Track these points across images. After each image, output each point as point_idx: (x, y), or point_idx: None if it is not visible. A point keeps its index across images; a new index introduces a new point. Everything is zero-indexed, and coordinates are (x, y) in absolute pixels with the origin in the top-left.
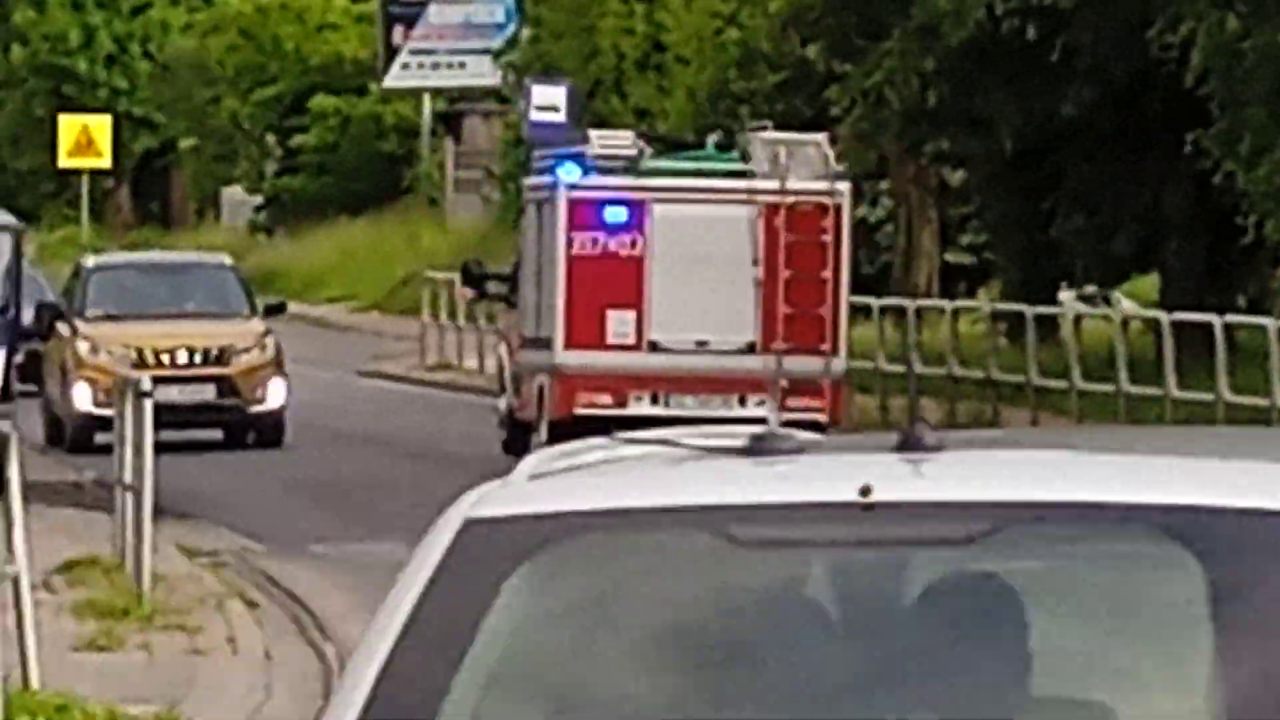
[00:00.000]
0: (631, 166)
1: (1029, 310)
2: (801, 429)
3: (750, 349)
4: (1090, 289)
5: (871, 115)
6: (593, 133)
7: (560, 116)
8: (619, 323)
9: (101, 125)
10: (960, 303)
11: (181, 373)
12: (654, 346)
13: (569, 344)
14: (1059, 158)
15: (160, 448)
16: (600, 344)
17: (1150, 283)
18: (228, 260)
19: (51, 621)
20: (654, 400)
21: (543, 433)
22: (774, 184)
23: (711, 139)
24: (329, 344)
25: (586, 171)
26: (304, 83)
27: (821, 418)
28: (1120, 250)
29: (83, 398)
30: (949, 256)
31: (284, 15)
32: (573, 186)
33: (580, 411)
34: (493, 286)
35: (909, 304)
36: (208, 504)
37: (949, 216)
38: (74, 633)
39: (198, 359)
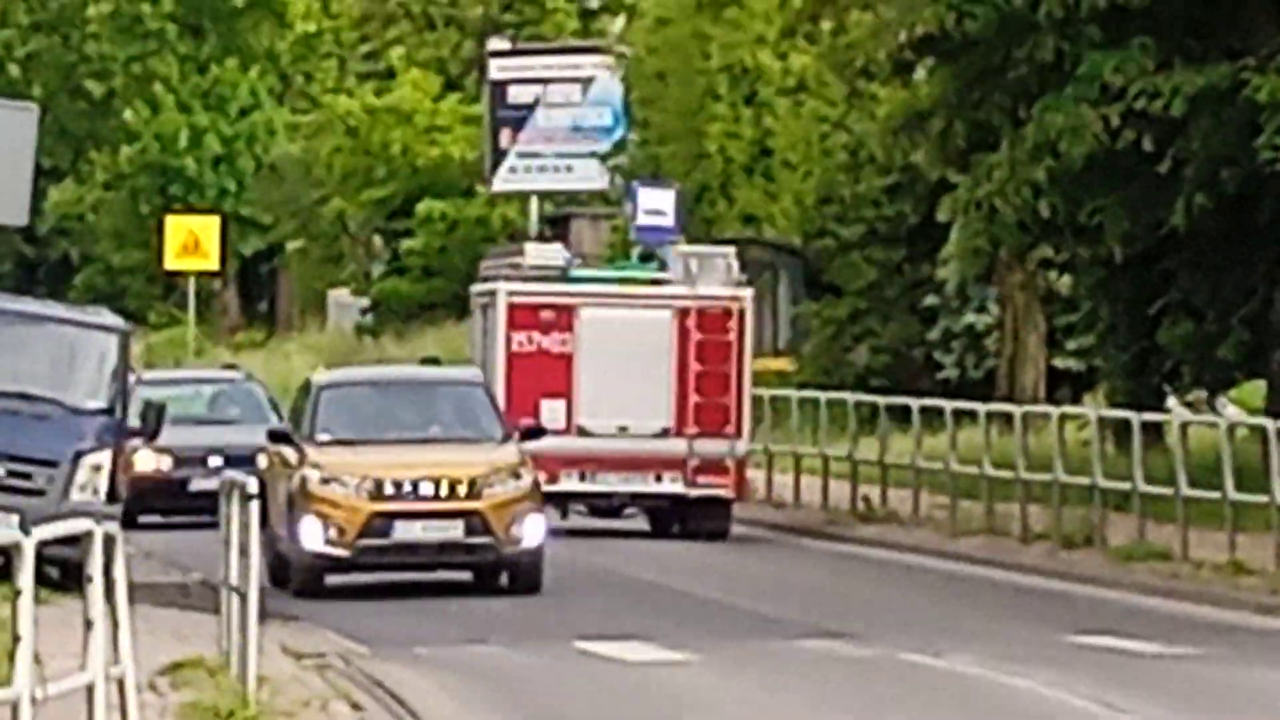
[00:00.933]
0: (563, 275)
1: (1135, 417)
2: (710, 504)
3: (665, 433)
4: (1197, 395)
5: (984, 227)
6: (528, 245)
7: (668, 220)
8: (551, 410)
9: (208, 227)
10: (1066, 409)
11: (426, 507)
12: (581, 431)
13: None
14: (1167, 264)
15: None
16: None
17: (1257, 389)
18: (478, 375)
19: None
20: (581, 478)
21: None
22: (686, 290)
23: (635, 251)
24: None
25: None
26: (411, 185)
27: (727, 494)
28: (1227, 356)
29: (312, 535)
30: (1055, 362)
31: (392, 118)
32: (511, 292)
33: None
34: None
35: (1015, 409)
36: (311, 607)
37: (1055, 322)
38: None
39: (443, 490)
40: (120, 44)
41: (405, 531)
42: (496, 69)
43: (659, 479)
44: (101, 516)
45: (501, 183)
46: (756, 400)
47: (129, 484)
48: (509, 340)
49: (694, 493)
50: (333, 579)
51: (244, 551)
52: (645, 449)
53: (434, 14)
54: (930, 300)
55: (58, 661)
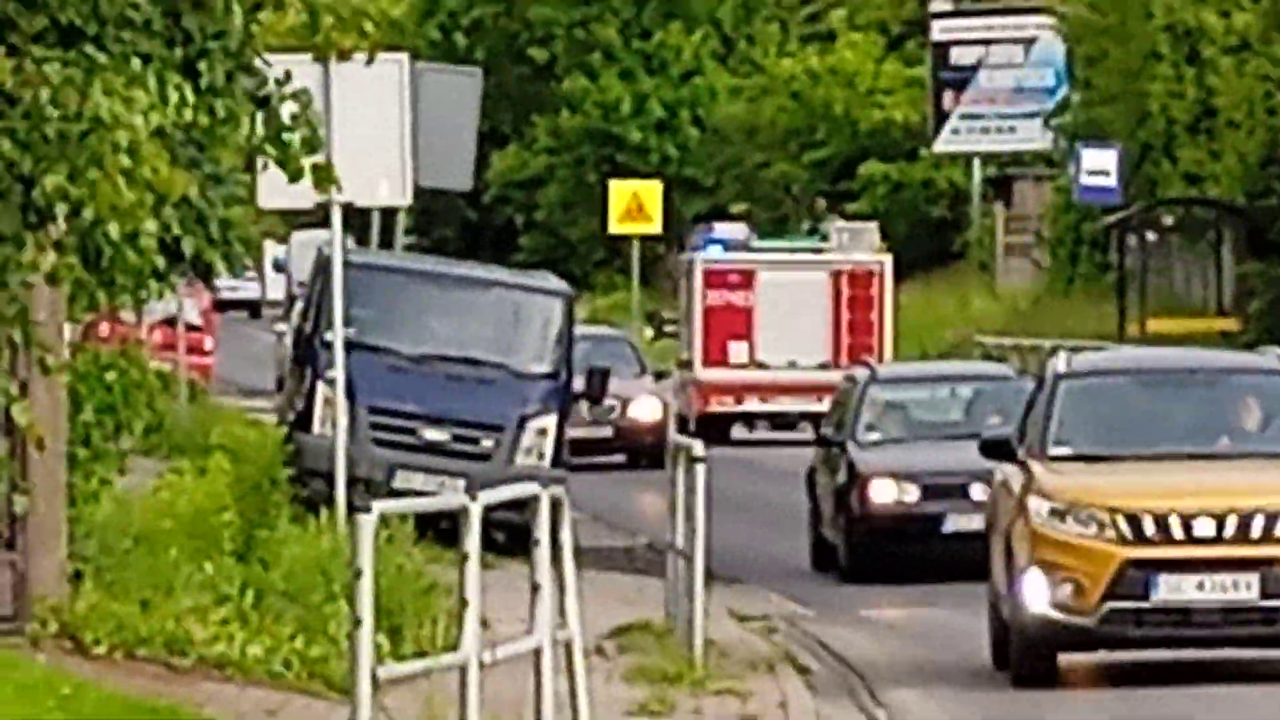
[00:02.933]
0: (745, 245)
1: None
2: None
3: (824, 366)
4: None
5: None
6: (716, 224)
7: (1111, 181)
8: (737, 350)
9: (652, 191)
10: None
11: (1206, 554)
12: (760, 365)
13: (705, 364)
14: None
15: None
16: (725, 364)
17: None
18: None
19: (604, 688)
20: (762, 400)
21: (691, 424)
22: (840, 256)
23: (804, 226)
24: None
25: (726, 248)
26: (854, 147)
27: None
28: None
29: (1038, 594)
30: None
31: (835, 80)
32: (706, 260)
33: (712, 410)
34: (667, 329)
35: None
36: (756, 569)
37: None
38: (627, 698)
39: (1231, 531)
40: (562, 9)
41: (1173, 589)
42: (939, 30)
43: (820, 400)
44: (547, 480)
45: (944, 144)
46: None
47: (862, 519)
48: (705, 297)
49: None
50: (1069, 656)
51: (690, 515)
52: (810, 378)
53: None
54: None
55: (505, 626)
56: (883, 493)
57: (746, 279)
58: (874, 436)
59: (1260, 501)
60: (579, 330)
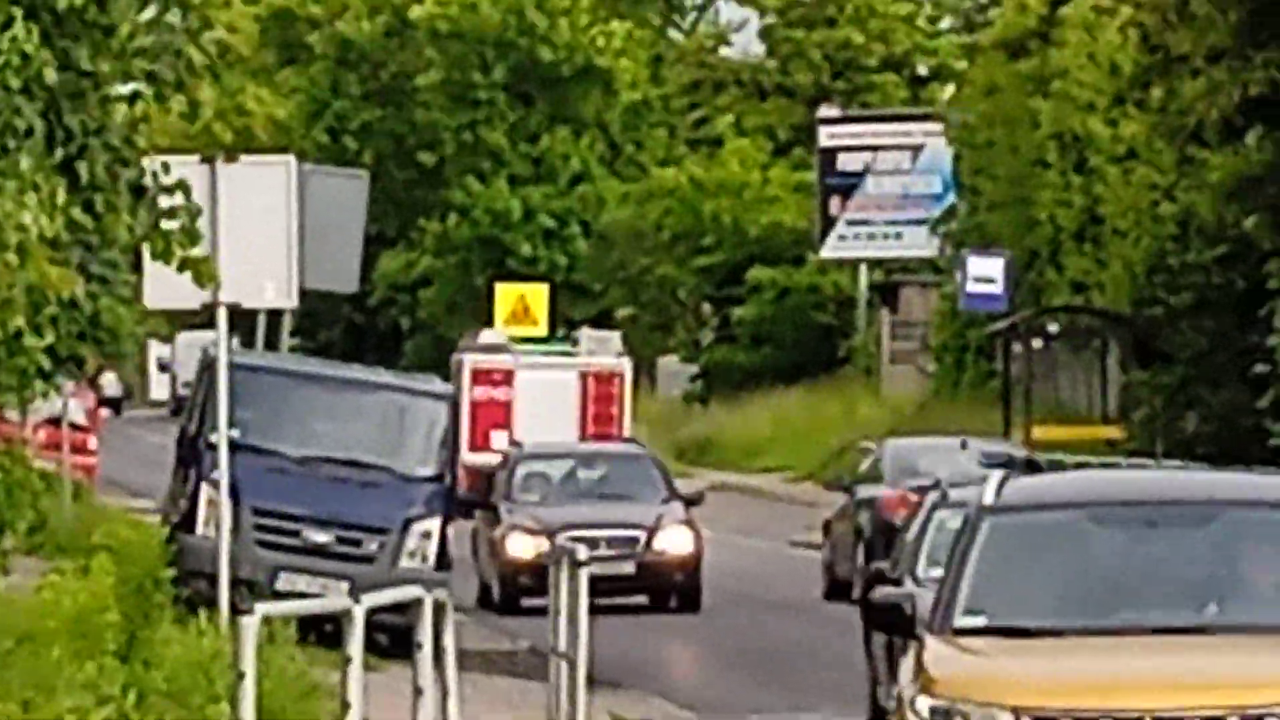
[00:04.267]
0: (506, 349)
1: None
2: None
3: None
4: None
5: None
6: (484, 330)
7: (997, 288)
8: (498, 437)
9: (538, 294)
10: None
11: None
12: (517, 445)
13: (470, 449)
14: None
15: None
16: (488, 448)
17: None
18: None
19: None
20: None
21: None
22: (587, 360)
23: (560, 334)
24: (764, 513)
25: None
26: (741, 252)
27: None
28: None
29: None
30: None
31: (720, 190)
32: (474, 362)
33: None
34: None
35: None
36: (638, 672)
37: None
38: None
39: None
40: (450, 113)
41: None
42: (826, 136)
43: None
44: (431, 584)
45: (831, 250)
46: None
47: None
48: (471, 392)
49: None
50: None
51: (572, 619)
52: None
53: (764, 81)
54: (1260, 368)
55: None
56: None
57: (507, 377)
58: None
59: (1256, 701)
60: (593, 448)
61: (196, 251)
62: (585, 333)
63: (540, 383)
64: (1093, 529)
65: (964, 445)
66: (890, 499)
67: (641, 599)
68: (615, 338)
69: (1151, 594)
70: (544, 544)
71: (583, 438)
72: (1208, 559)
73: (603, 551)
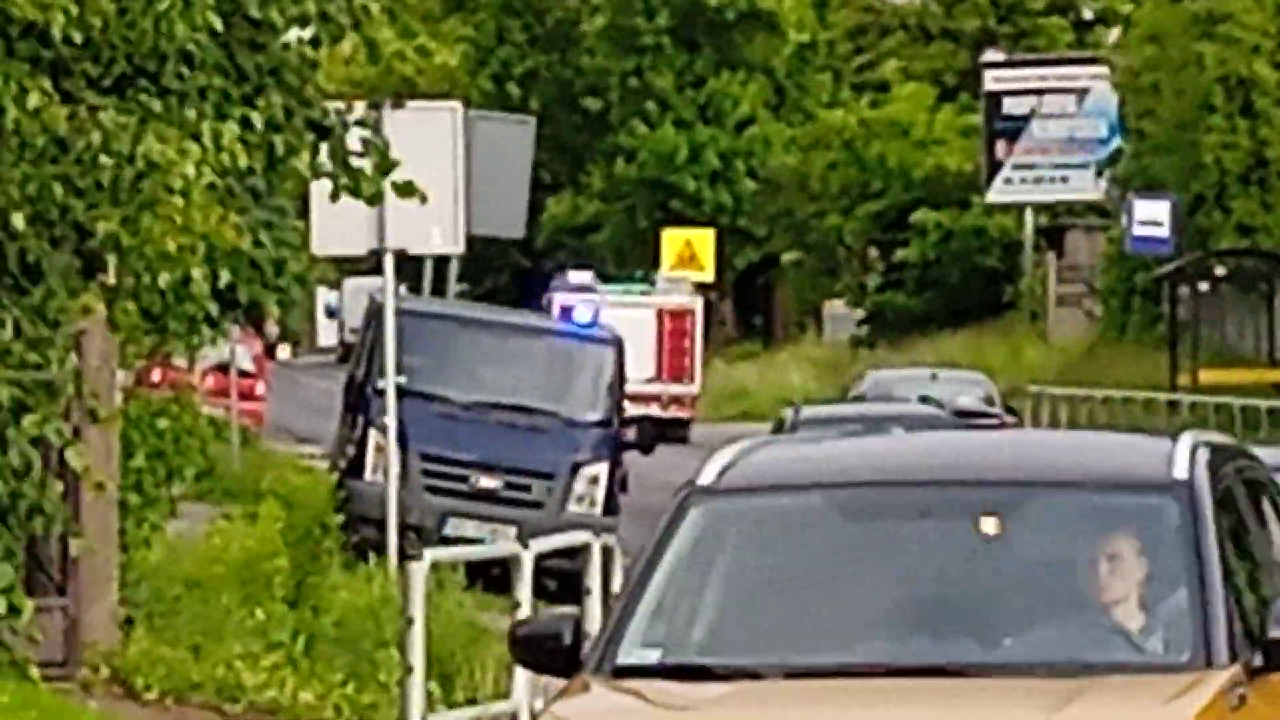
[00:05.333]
0: (590, 289)
1: None
2: (675, 423)
3: (650, 380)
4: None
5: None
6: (570, 272)
7: (1164, 231)
8: None
9: (704, 239)
10: None
11: None
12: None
13: None
14: None
15: None
16: None
17: None
18: None
19: None
20: None
21: None
22: (663, 299)
23: (639, 274)
24: None
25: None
26: (906, 197)
27: (686, 415)
28: None
29: None
30: None
31: (888, 130)
32: (561, 298)
33: None
34: None
35: None
36: None
37: None
38: None
39: None
40: (616, 58)
41: None
42: (992, 80)
43: (649, 406)
44: (599, 529)
45: (997, 194)
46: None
47: None
48: None
49: (666, 415)
50: None
51: None
52: (640, 389)
53: (929, 25)
54: None
55: None
56: None
57: (595, 313)
58: None
59: None
60: (880, 409)
61: (397, 176)
62: (662, 274)
63: (622, 319)
64: (837, 522)
65: (934, 377)
66: None
67: None
68: (688, 279)
69: (909, 619)
70: None
71: (659, 368)
72: (998, 569)
73: None
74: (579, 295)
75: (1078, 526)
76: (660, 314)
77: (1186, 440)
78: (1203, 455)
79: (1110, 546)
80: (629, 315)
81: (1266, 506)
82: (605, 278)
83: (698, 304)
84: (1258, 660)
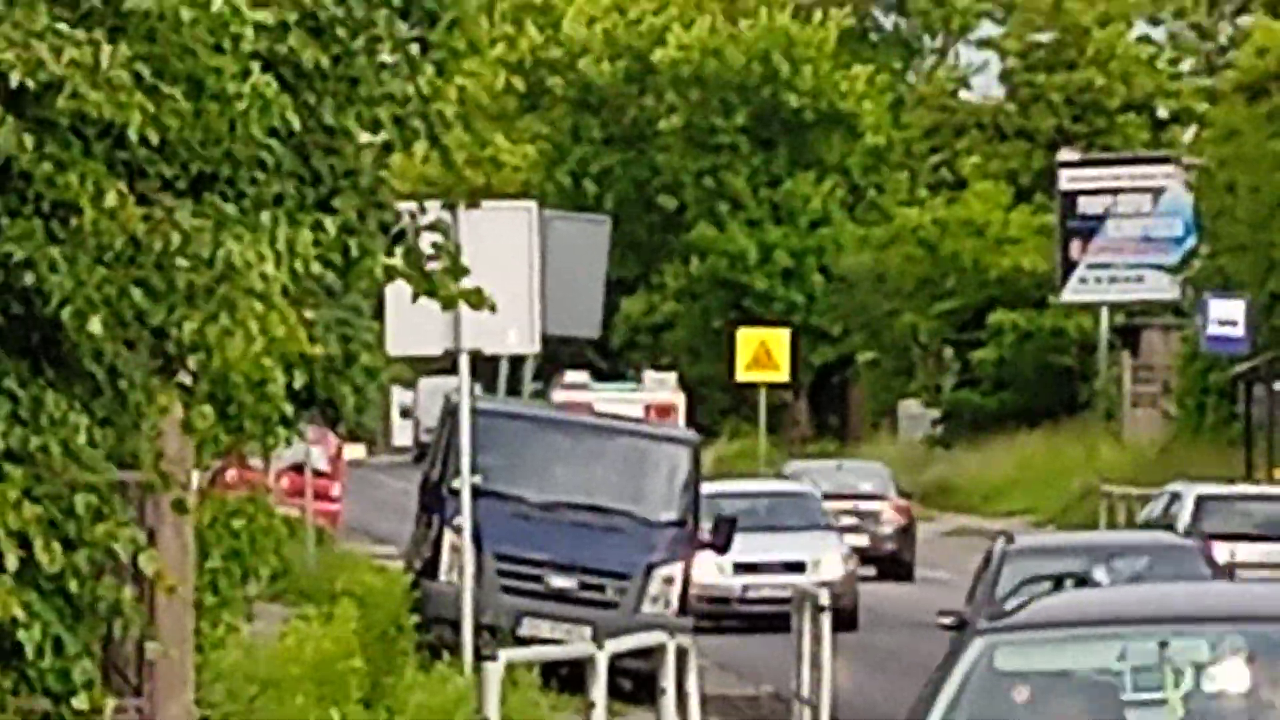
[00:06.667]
0: (586, 386)
1: None
2: None
3: None
4: None
5: None
6: (566, 372)
7: (1239, 330)
8: None
9: (779, 339)
10: None
11: None
12: None
13: None
14: None
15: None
16: None
17: None
18: None
19: None
20: None
21: None
22: (650, 395)
23: (629, 373)
24: None
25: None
26: (981, 296)
27: None
28: None
29: None
30: None
31: (963, 229)
32: (560, 395)
33: None
34: None
35: None
36: (877, 711)
37: None
38: None
39: None
40: (691, 158)
41: None
42: (1067, 179)
43: None
44: (674, 629)
45: (1072, 293)
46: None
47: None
48: None
49: None
50: None
51: (815, 663)
52: None
53: (1004, 125)
54: None
55: None
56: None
57: (588, 409)
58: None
59: None
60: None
61: (467, 283)
62: (648, 373)
63: (615, 409)
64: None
65: (839, 467)
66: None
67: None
68: (671, 377)
69: None
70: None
71: None
72: None
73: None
74: (575, 392)
75: None
76: (647, 409)
77: None
78: None
79: None
80: (620, 410)
81: None
82: (600, 376)
83: (680, 399)
84: None
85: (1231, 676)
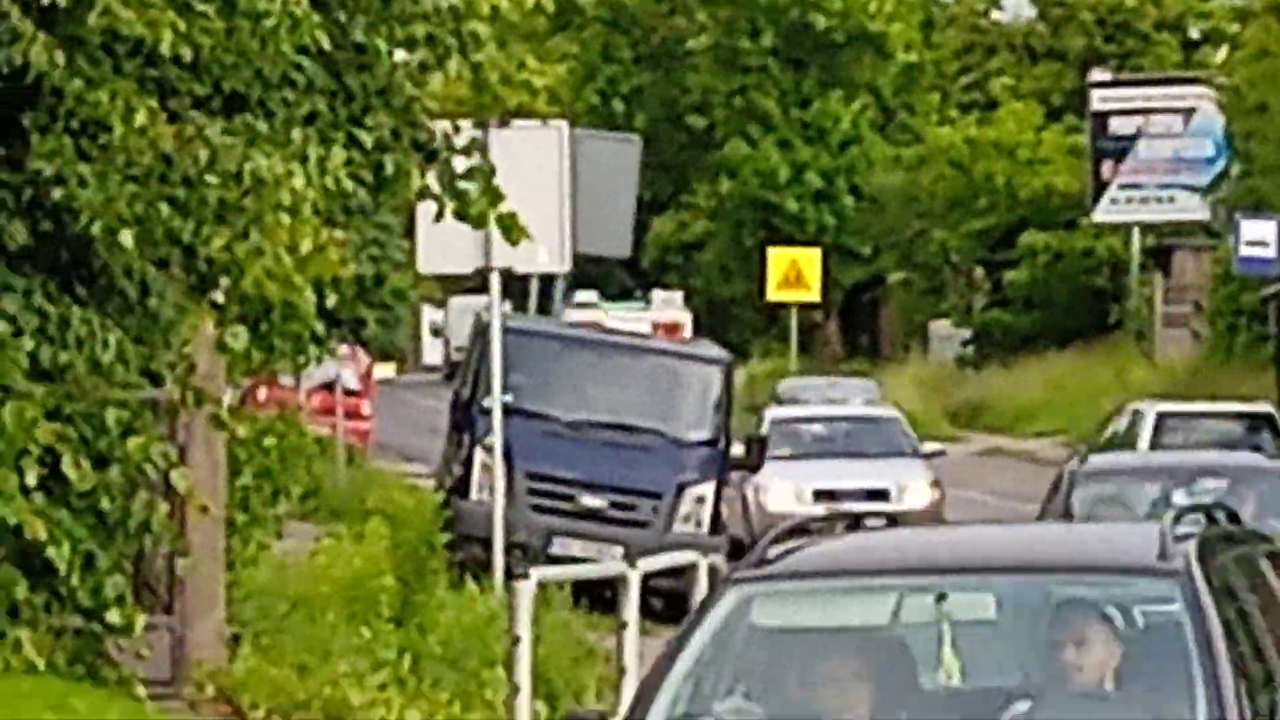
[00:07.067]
0: (596, 305)
1: None
2: None
3: None
4: None
5: None
6: (578, 292)
7: (1270, 251)
8: None
9: (811, 259)
10: None
11: None
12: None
13: None
14: None
15: None
16: None
17: None
18: None
19: None
20: None
21: None
22: (657, 314)
23: (637, 292)
24: (1038, 478)
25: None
26: (1013, 216)
27: None
28: None
29: None
30: None
31: (994, 150)
32: (571, 314)
33: None
34: None
35: None
36: None
37: None
38: None
39: None
40: (721, 77)
41: None
42: (1098, 100)
43: None
44: (706, 548)
45: (1103, 214)
46: None
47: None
48: None
49: None
50: None
51: None
52: None
53: (1035, 45)
54: None
55: None
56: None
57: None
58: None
59: None
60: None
61: (503, 208)
62: (656, 292)
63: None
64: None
65: (831, 386)
66: None
67: None
68: (678, 296)
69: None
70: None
71: None
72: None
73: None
74: (586, 311)
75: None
76: (655, 326)
77: None
78: None
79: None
80: (629, 325)
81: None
82: (608, 296)
83: (687, 318)
84: None
85: (1022, 634)
